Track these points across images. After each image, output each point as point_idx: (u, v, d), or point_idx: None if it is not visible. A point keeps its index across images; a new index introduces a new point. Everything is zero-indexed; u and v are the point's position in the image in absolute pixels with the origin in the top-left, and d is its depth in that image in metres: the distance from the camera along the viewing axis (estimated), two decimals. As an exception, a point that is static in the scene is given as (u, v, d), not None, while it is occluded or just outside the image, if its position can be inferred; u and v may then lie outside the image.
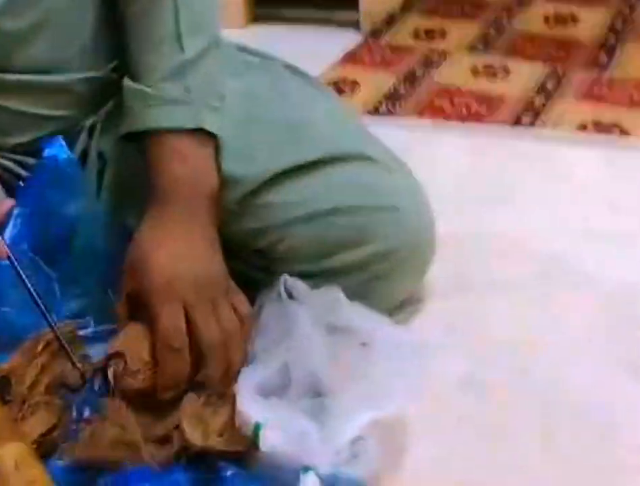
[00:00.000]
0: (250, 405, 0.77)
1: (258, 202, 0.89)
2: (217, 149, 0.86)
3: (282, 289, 0.87)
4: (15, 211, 0.87)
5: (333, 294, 0.86)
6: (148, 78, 0.84)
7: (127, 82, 0.86)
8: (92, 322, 0.91)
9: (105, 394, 0.83)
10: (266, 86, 0.95)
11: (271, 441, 0.75)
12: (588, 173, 1.30)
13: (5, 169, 0.91)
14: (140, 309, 0.83)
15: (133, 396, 0.81)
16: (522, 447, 0.85)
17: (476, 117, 1.48)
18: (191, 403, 0.79)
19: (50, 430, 0.80)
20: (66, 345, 0.82)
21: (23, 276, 0.81)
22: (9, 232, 0.86)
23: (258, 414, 0.76)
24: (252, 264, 0.94)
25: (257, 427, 0.76)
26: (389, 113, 1.51)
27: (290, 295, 0.87)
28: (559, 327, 1.02)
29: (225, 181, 0.87)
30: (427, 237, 0.95)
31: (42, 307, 0.81)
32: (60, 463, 0.77)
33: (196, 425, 0.78)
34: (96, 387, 0.85)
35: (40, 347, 0.84)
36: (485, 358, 0.97)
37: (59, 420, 0.81)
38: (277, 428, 0.75)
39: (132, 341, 0.83)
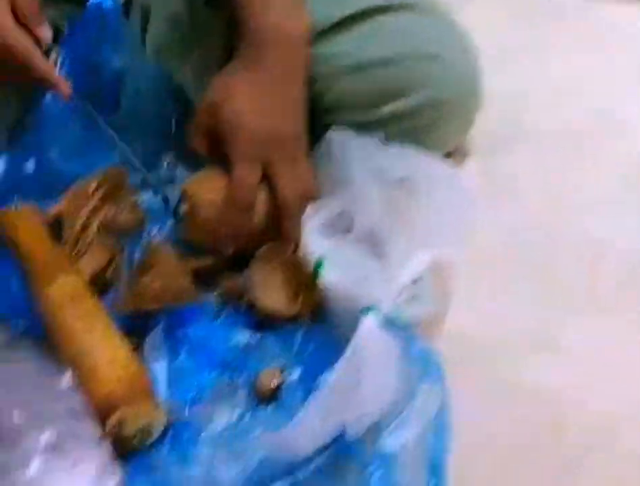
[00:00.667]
0: (314, 240, 0.76)
1: (312, 52, 0.85)
2: None
3: (332, 143, 0.85)
4: (60, 59, 0.85)
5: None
6: None
7: None
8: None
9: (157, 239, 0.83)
10: None
11: (332, 277, 0.74)
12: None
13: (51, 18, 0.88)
14: (216, 148, 0.82)
15: (196, 235, 0.81)
16: (567, 291, 0.85)
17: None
18: (268, 252, 0.79)
19: (102, 270, 0.80)
20: (145, 171, 0.83)
21: (90, 108, 0.81)
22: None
23: (322, 250, 0.75)
24: None
25: (319, 262, 0.75)
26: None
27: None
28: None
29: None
30: (473, 85, 0.93)
31: (113, 133, 0.81)
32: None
33: (266, 278, 0.78)
34: (151, 232, 0.86)
35: (91, 190, 0.83)
36: (528, 216, 0.95)
37: (111, 260, 0.81)
38: (339, 265, 0.74)
39: (206, 183, 0.82)
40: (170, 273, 0.78)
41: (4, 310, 0.79)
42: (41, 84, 0.81)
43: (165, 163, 0.92)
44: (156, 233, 0.86)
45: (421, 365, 0.65)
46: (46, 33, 0.80)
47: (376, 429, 0.63)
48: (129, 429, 0.66)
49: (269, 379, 0.71)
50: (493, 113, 1.01)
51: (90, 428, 0.68)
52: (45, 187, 0.87)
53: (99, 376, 0.68)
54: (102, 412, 0.66)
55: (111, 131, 0.84)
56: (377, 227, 0.78)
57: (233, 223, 0.79)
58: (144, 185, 0.88)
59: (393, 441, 0.61)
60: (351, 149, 0.83)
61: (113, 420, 0.65)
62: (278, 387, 0.71)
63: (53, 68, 0.80)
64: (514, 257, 0.94)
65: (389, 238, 0.77)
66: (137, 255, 0.84)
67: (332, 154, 0.83)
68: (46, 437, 0.69)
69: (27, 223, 0.83)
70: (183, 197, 0.81)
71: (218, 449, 0.67)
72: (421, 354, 0.66)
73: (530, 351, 0.85)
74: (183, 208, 0.82)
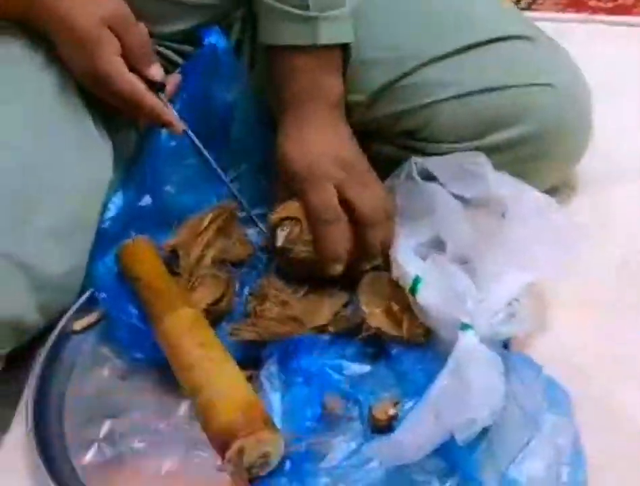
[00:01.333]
0: (410, 260, 0.76)
1: (409, 83, 0.87)
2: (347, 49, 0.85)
3: (414, 169, 0.85)
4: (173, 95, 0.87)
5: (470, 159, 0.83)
6: None
7: None
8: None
9: (267, 271, 0.84)
10: None
11: (429, 296, 0.74)
12: None
13: (164, 57, 0.91)
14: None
15: (297, 268, 0.81)
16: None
17: (622, 10, 1.40)
18: (372, 278, 0.78)
19: (217, 301, 0.81)
20: (248, 208, 0.85)
21: (201, 146, 0.83)
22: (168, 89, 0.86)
23: (417, 270, 0.75)
24: (397, 146, 0.92)
25: (416, 281, 0.75)
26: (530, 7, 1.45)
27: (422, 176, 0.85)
28: None
29: (374, 64, 0.87)
30: (583, 117, 0.91)
31: (221, 172, 0.84)
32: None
33: (376, 302, 0.77)
34: (259, 265, 0.87)
35: (205, 224, 0.85)
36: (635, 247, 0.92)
37: (225, 291, 0.82)
38: (435, 285, 0.74)
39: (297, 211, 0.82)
40: (284, 304, 0.79)
41: (124, 341, 0.81)
42: (154, 122, 0.84)
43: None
44: (266, 266, 0.87)
45: (548, 395, 0.63)
46: (157, 72, 0.83)
47: (500, 456, 0.61)
48: (249, 458, 0.66)
49: (384, 410, 0.70)
50: (601, 145, 0.99)
51: (209, 457, 0.69)
52: (159, 220, 0.89)
53: (219, 405, 0.68)
54: (221, 441, 0.66)
55: (219, 170, 0.86)
56: (469, 249, 0.79)
57: (330, 239, 0.79)
58: (249, 220, 0.89)
59: (521, 471, 0.59)
60: (438, 173, 0.83)
61: (233, 449, 0.65)
62: (393, 418, 0.70)
63: (164, 107, 0.82)
64: (622, 288, 0.91)
65: (483, 260, 0.77)
66: (247, 288, 0.85)
67: (412, 182, 0.84)
68: (167, 465, 0.70)
69: (145, 254, 0.84)
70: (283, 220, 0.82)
71: (337, 480, 0.66)
72: (548, 383, 0.64)
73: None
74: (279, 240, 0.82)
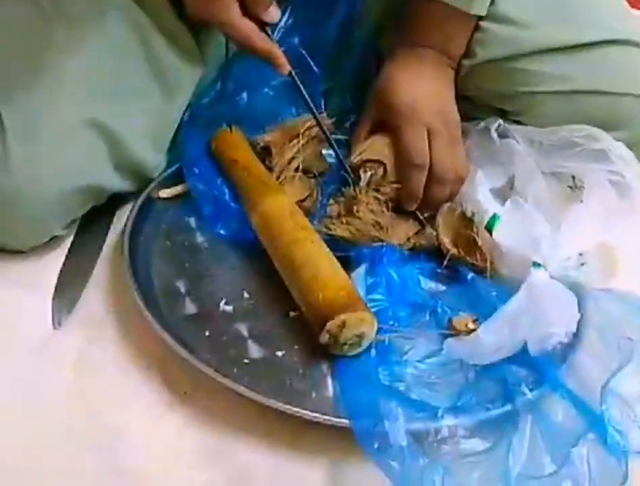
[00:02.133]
0: (488, 199, 0.81)
1: (520, 67, 0.88)
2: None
3: (493, 128, 0.89)
4: (291, 5, 0.89)
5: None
6: None
7: None
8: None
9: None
10: None
11: (505, 234, 0.79)
12: None
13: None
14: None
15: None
16: None
17: None
18: (447, 212, 0.82)
19: (303, 199, 0.84)
20: (330, 137, 0.85)
21: (301, 87, 0.83)
22: (283, 22, 0.89)
23: (495, 209, 0.80)
24: (487, 114, 0.93)
25: (494, 218, 0.80)
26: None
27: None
28: None
29: (496, 39, 0.88)
30: None
31: (308, 99, 0.84)
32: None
33: (448, 231, 0.82)
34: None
35: (301, 130, 0.87)
36: None
37: (310, 193, 0.85)
38: (512, 224, 0.80)
39: (381, 152, 0.86)
40: (372, 212, 0.82)
41: (209, 215, 0.82)
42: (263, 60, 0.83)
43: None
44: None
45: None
46: (274, 15, 0.81)
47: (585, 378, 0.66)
48: (347, 334, 0.68)
49: (465, 322, 0.74)
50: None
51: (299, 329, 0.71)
52: (251, 118, 0.91)
53: (323, 281, 0.71)
54: (324, 314, 0.69)
55: (311, 105, 0.85)
56: (547, 199, 0.84)
57: (414, 182, 0.83)
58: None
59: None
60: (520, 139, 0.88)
61: (336, 321, 0.68)
62: (472, 331, 0.74)
63: (274, 49, 0.80)
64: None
65: (560, 211, 0.82)
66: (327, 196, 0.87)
67: (487, 136, 0.88)
68: (259, 331, 0.71)
69: (241, 142, 0.86)
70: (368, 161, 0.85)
71: (422, 373, 0.70)
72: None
73: None
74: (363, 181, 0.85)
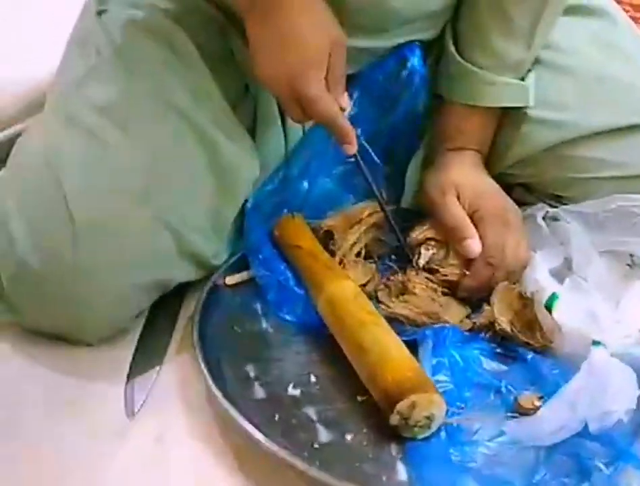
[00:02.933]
0: (546, 279, 0.82)
1: (570, 153, 0.88)
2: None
3: (538, 216, 0.90)
4: (356, 94, 0.92)
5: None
6: (487, 58, 0.86)
7: (458, 55, 0.88)
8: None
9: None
10: (591, 33, 0.92)
11: (564, 312, 0.79)
12: None
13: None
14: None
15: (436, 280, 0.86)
16: None
17: None
18: (503, 292, 0.82)
19: (365, 284, 0.85)
20: (392, 221, 0.87)
21: (365, 170, 0.86)
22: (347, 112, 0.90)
23: (554, 288, 0.81)
24: (540, 199, 0.95)
25: (553, 297, 0.80)
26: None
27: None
28: None
29: (541, 125, 0.89)
30: None
31: (378, 194, 0.87)
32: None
33: (505, 311, 0.81)
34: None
35: (364, 216, 0.89)
36: None
37: (372, 276, 0.86)
38: (571, 303, 0.80)
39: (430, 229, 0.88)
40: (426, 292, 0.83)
41: (275, 301, 0.83)
42: (336, 138, 0.84)
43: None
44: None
45: None
46: (346, 100, 0.83)
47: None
48: (418, 415, 0.68)
49: (531, 400, 0.73)
50: None
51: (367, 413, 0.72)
52: (312, 205, 0.93)
53: (391, 363, 0.71)
54: (394, 396, 0.69)
55: (373, 185, 0.87)
56: (605, 278, 0.84)
57: (483, 278, 0.84)
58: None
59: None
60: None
61: (407, 402, 0.68)
62: (538, 409, 0.73)
63: (352, 130, 0.82)
64: None
65: (618, 288, 0.83)
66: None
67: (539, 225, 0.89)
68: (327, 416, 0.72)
69: (303, 228, 0.88)
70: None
71: (494, 452, 0.69)
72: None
73: None
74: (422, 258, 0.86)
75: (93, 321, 0.77)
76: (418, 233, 0.87)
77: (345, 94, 0.82)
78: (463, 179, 0.86)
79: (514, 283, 0.84)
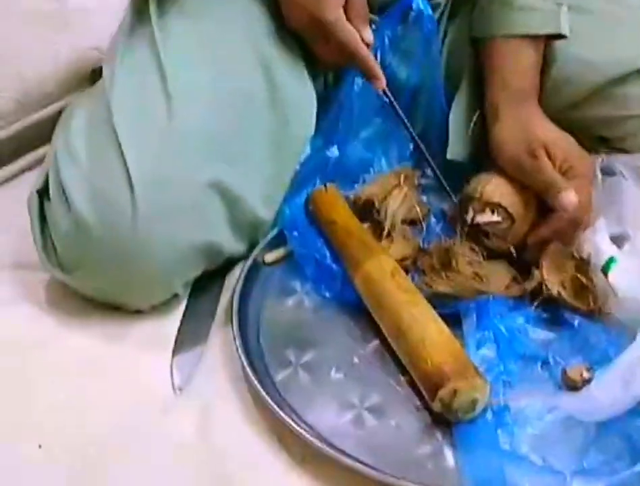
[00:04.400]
0: (605, 242, 0.76)
1: (618, 91, 0.84)
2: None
3: (597, 167, 0.84)
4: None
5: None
6: None
7: None
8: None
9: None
10: None
11: (620, 277, 0.74)
12: None
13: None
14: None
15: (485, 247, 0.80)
16: None
17: None
18: (554, 252, 0.77)
19: (404, 259, 0.80)
20: (439, 173, 0.83)
21: (396, 105, 0.83)
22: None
23: (612, 252, 0.76)
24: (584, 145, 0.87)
25: (610, 261, 0.75)
26: None
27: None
28: None
29: (584, 65, 0.84)
30: None
31: (412, 131, 0.83)
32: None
33: (555, 274, 0.76)
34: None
35: (400, 181, 0.84)
36: None
37: (414, 248, 0.81)
38: (629, 267, 0.75)
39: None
40: (471, 264, 0.78)
41: (312, 278, 0.80)
42: (363, 73, 0.82)
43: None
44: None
45: None
46: (370, 35, 0.81)
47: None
48: (460, 401, 0.65)
49: (579, 371, 0.69)
50: None
51: (410, 395, 0.69)
52: (343, 172, 0.88)
53: (431, 347, 0.68)
54: (434, 382, 0.65)
55: (411, 129, 0.85)
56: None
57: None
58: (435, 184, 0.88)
59: None
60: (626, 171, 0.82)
61: (448, 389, 0.65)
62: (587, 381, 0.69)
63: (376, 61, 0.80)
64: None
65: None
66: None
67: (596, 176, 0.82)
68: (371, 400, 0.69)
69: (338, 201, 0.84)
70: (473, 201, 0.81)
71: (542, 432, 0.65)
72: None
73: None
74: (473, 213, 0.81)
75: (145, 283, 0.76)
76: (485, 192, 0.79)
77: (369, 28, 0.80)
78: (549, 137, 0.80)
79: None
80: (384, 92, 0.83)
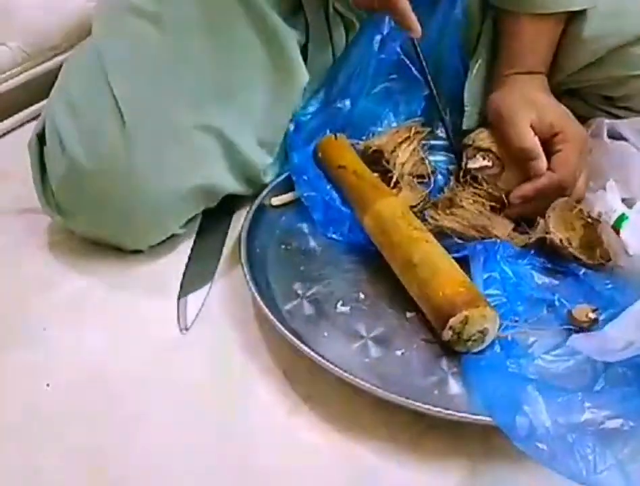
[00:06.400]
0: (617, 199, 0.75)
1: (631, 52, 0.82)
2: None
3: (604, 130, 0.83)
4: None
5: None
6: None
7: None
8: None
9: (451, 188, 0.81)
10: None
11: (632, 234, 0.73)
12: None
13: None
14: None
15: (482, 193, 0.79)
16: None
17: None
18: (561, 205, 0.76)
19: (414, 206, 0.78)
20: (446, 122, 0.81)
21: (423, 57, 0.80)
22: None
23: (623, 210, 0.74)
24: (590, 105, 0.89)
25: (622, 217, 0.74)
26: None
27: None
28: None
29: (604, 27, 0.82)
30: None
31: (433, 86, 0.81)
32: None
33: (561, 226, 0.75)
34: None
35: (411, 134, 0.82)
36: None
37: (422, 198, 0.80)
38: (638, 226, 0.73)
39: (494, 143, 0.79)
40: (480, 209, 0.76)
41: (321, 221, 0.78)
42: (398, 21, 0.77)
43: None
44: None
45: None
46: None
47: None
48: (471, 330, 0.63)
49: (585, 312, 0.67)
50: None
51: (417, 329, 0.66)
52: (354, 124, 0.86)
53: (442, 279, 0.65)
54: (446, 311, 0.63)
55: (430, 81, 0.83)
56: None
57: (544, 190, 0.77)
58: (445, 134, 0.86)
59: None
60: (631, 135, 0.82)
61: (459, 317, 0.62)
62: (593, 322, 0.67)
63: (411, 9, 0.76)
64: None
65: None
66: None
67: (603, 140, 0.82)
68: (377, 331, 0.67)
69: (347, 148, 0.82)
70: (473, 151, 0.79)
71: (549, 365, 0.63)
72: None
73: None
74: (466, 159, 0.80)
75: (142, 223, 0.73)
76: (477, 139, 0.79)
77: None
78: (544, 101, 0.79)
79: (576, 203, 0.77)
80: (413, 43, 0.80)
